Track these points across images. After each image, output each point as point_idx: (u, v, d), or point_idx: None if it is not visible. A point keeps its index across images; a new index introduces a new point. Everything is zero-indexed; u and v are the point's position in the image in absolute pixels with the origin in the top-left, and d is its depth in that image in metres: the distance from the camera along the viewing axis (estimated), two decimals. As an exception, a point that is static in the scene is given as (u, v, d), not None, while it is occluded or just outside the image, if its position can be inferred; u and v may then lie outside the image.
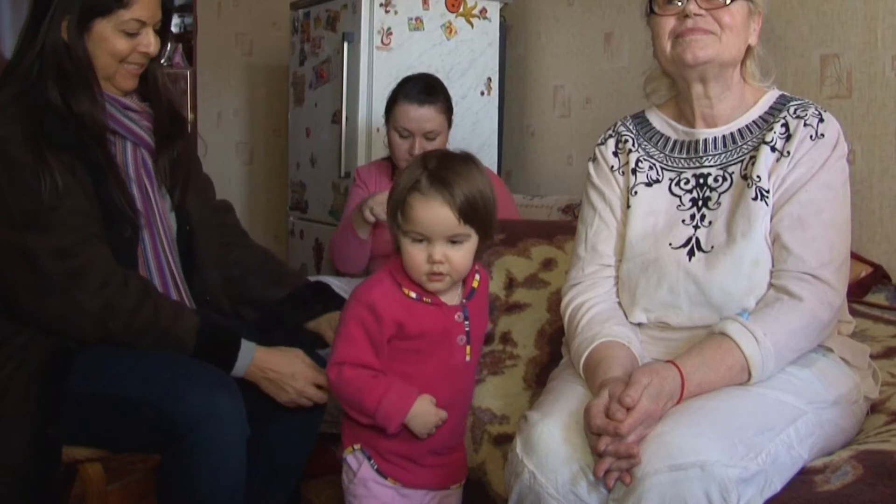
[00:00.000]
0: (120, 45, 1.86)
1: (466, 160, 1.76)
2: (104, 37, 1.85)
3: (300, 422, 1.98)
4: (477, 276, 1.85)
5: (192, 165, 2.09)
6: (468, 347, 1.80)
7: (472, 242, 1.74)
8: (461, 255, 1.73)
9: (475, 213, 1.70)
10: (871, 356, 1.83)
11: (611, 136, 1.91)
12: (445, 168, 1.72)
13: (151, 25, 1.89)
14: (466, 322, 1.79)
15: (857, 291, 2.31)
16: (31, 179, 1.73)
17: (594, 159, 1.91)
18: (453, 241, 1.71)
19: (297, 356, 1.90)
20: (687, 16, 1.70)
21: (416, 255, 1.72)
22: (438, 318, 1.76)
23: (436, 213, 1.69)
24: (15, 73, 1.86)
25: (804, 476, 1.48)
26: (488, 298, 1.96)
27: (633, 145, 1.85)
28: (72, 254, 1.74)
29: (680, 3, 1.72)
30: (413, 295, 1.75)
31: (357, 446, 1.80)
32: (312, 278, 2.82)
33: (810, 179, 1.67)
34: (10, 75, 1.87)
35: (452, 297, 1.79)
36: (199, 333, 1.82)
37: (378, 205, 2.67)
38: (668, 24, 1.73)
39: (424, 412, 1.74)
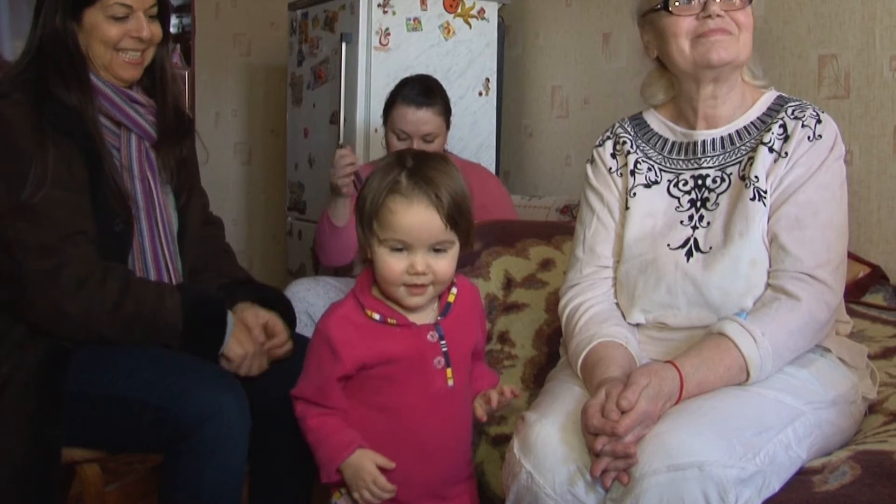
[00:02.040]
0: (110, 31, 1.86)
1: (443, 158, 1.64)
2: (94, 24, 1.86)
3: None
4: (453, 290, 1.68)
5: (196, 169, 2.10)
6: (449, 371, 1.63)
7: (455, 250, 1.61)
8: (446, 265, 1.59)
9: (461, 217, 1.58)
10: (870, 356, 1.83)
11: (608, 137, 1.91)
12: (426, 166, 1.58)
13: (141, 10, 1.89)
14: (443, 342, 1.63)
15: (855, 292, 2.31)
16: (26, 166, 1.73)
17: (592, 161, 1.91)
18: (437, 249, 1.58)
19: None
20: (709, 16, 1.69)
21: (394, 265, 1.56)
22: (408, 341, 1.60)
23: (421, 217, 1.54)
24: (18, 67, 1.88)
25: (802, 476, 1.48)
26: (481, 310, 1.80)
27: (632, 147, 1.85)
28: (52, 251, 1.73)
29: (698, 4, 1.70)
30: (376, 317, 1.60)
31: (344, 490, 1.64)
32: (310, 279, 2.83)
33: (808, 180, 1.67)
34: (14, 69, 1.90)
35: (424, 316, 1.64)
36: (185, 307, 1.81)
37: (341, 157, 2.67)
38: (686, 23, 1.72)
39: (357, 467, 1.58)
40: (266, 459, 1.93)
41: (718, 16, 1.69)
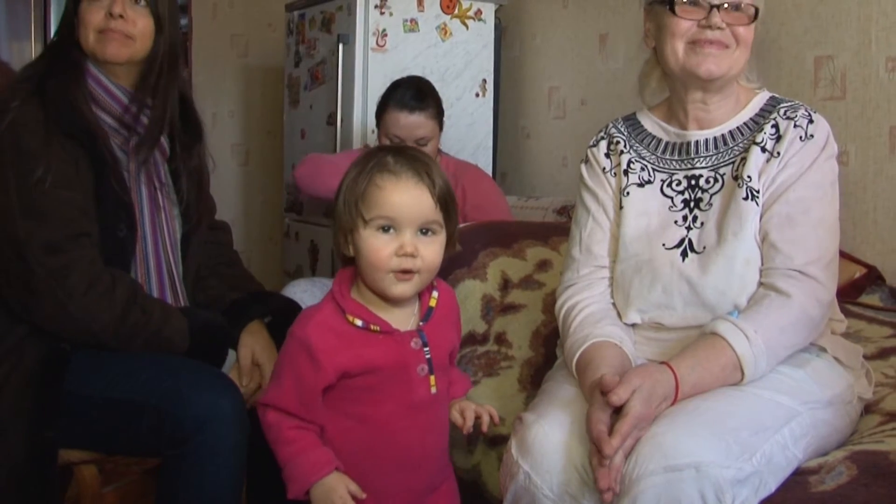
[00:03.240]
0: (89, 13, 1.86)
1: (427, 154, 1.61)
2: (82, 12, 1.87)
3: None
4: (434, 293, 1.62)
5: (206, 179, 2.10)
6: (432, 378, 1.56)
7: (442, 239, 1.54)
8: (434, 251, 1.52)
9: (451, 203, 1.53)
10: (866, 357, 1.83)
11: (602, 138, 1.91)
12: (411, 150, 1.57)
13: None
14: (426, 349, 1.56)
15: (851, 292, 2.31)
16: (35, 166, 1.74)
17: (586, 161, 1.92)
18: (425, 231, 1.51)
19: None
20: (709, 27, 1.69)
21: (381, 247, 1.48)
22: (390, 349, 1.53)
23: (411, 193, 1.48)
24: (37, 63, 1.90)
25: (799, 477, 1.49)
26: (458, 313, 1.72)
27: (625, 147, 1.86)
28: (60, 250, 1.73)
29: (703, 10, 1.70)
30: (359, 323, 1.52)
31: None
32: (306, 280, 2.82)
33: (799, 179, 1.68)
34: (33, 66, 1.91)
35: (405, 321, 1.57)
36: (191, 333, 1.82)
37: None
38: (686, 27, 1.71)
39: (329, 490, 1.48)
40: (264, 463, 1.93)
41: (719, 28, 1.69)
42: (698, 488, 1.37)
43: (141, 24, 1.89)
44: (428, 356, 1.56)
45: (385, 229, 1.50)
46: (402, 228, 1.49)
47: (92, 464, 1.86)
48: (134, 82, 1.92)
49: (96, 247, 1.79)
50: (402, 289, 1.52)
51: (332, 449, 1.54)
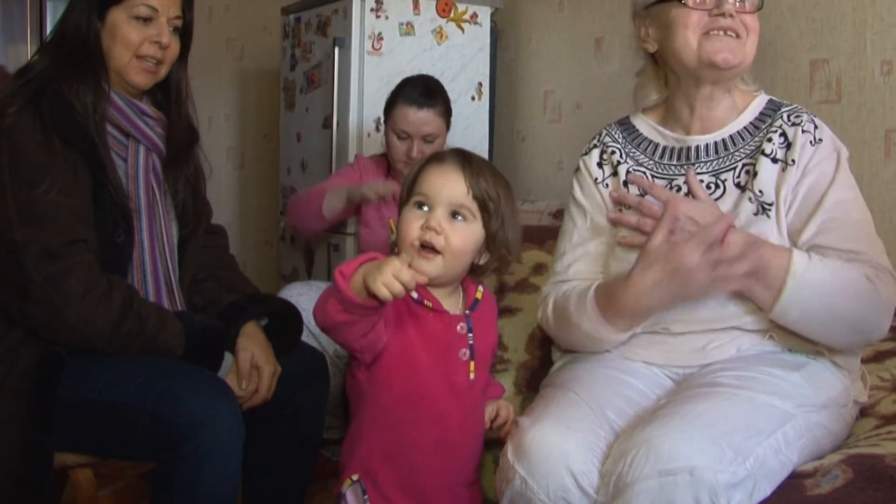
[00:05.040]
0: (131, 33, 1.87)
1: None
2: (117, 25, 1.87)
3: (302, 425, 1.98)
4: (480, 288, 1.72)
5: (202, 183, 2.10)
6: (472, 364, 1.66)
7: (474, 227, 1.62)
8: (461, 237, 1.60)
9: (492, 201, 1.61)
10: (862, 360, 1.83)
11: (595, 146, 1.90)
12: (474, 155, 1.67)
13: (165, 17, 1.90)
14: (470, 335, 1.66)
15: (846, 296, 2.31)
16: (32, 172, 1.73)
17: (578, 171, 1.91)
18: (455, 214, 1.60)
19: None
20: (722, 14, 1.69)
21: (412, 221, 1.59)
22: (437, 328, 1.63)
23: (446, 177, 1.60)
24: (37, 65, 1.89)
25: (794, 480, 1.48)
26: (496, 317, 1.80)
27: (622, 156, 1.85)
28: (56, 256, 1.73)
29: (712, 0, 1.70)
30: (414, 295, 1.60)
31: (356, 477, 1.64)
32: (302, 283, 2.82)
33: (831, 184, 1.68)
34: (32, 67, 1.90)
35: (454, 306, 1.67)
36: (187, 338, 1.82)
37: (378, 187, 2.80)
38: (697, 17, 1.71)
39: (384, 262, 1.42)
40: (260, 467, 1.93)
41: (730, 15, 1.69)
42: (693, 492, 1.37)
43: (170, 51, 1.93)
44: (471, 342, 1.65)
45: (419, 206, 1.61)
46: (434, 207, 1.60)
47: (87, 467, 1.86)
48: (137, 94, 1.94)
49: (93, 252, 1.79)
50: (423, 267, 1.54)
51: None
